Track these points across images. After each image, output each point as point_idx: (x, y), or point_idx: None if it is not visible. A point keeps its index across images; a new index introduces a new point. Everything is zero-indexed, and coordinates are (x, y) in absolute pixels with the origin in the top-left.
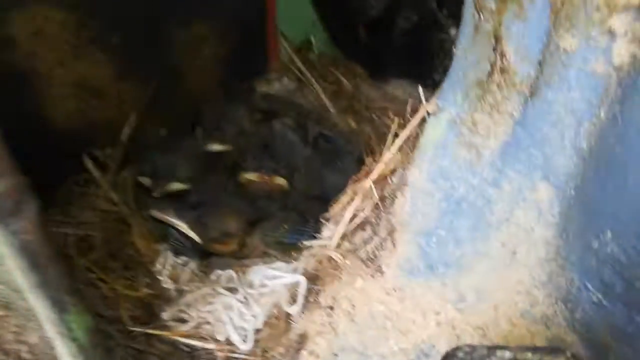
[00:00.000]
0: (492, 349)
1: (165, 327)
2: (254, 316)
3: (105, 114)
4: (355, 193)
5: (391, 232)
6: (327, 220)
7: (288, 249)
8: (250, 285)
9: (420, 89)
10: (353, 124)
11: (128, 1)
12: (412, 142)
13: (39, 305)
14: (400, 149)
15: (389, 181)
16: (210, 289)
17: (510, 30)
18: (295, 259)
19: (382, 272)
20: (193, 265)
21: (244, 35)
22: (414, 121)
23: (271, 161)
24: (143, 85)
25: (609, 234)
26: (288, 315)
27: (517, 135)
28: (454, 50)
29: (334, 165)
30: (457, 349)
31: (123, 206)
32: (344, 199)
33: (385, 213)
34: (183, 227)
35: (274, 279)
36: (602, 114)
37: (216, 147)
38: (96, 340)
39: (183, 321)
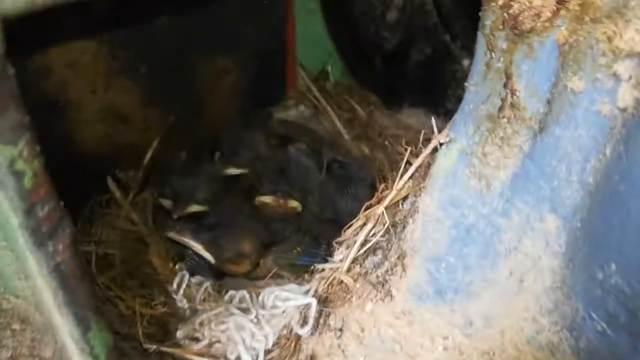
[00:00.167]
0: None
1: (178, 345)
2: (265, 336)
3: (130, 138)
4: (367, 218)
5: (401, 257)
6: (339, 244)
7: (300, 271)
8: (263, 306)
9: (433, 120)
10: (366, 151)
11: (156, 34)
12: (424, 170)
13: (63, 323)
14: (412, 176)
15: (401, 207)
16: (223, 309)
17: (521, 68)
18: (307, 281)
19: (391, 296)
20: (207, 285)
21: (263, 65)
22: (427, 150)
23: (286, 185)
24: (167, 112)
25: (613, 266)
26: (298, 336)
27: (526, 168)
28: (466, 84)
29: (347, 191)
30: None
31: (142, 226)
32: (356, 223)
33: (396, 238)
34: (198, 248)
35: (285, 300)
36: (608, 152)
37: (233, 170)
38: (114, 358)
39: (196, 340)
